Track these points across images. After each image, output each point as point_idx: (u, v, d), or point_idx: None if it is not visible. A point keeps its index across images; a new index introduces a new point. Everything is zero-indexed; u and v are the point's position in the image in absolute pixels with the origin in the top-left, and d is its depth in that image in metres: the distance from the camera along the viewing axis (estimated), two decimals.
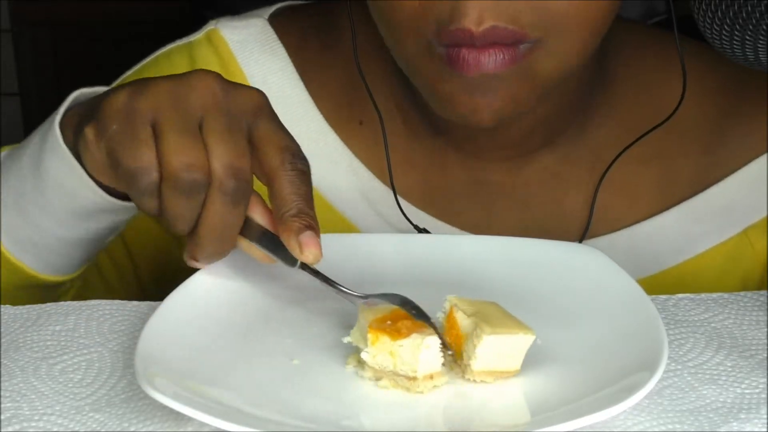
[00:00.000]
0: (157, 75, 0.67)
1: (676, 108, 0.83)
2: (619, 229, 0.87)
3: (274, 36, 0.91)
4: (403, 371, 0.59)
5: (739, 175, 0.87)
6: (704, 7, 0.70)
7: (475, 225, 0.87)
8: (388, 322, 0.60)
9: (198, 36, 0.92)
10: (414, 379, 0.59)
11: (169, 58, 0.92)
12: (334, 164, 0.88)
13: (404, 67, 0.79)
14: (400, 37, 0.76)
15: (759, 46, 0.69)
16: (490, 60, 0.72)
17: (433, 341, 0.59)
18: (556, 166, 0.88)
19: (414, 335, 0.59)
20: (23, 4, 2.47)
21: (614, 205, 0.88)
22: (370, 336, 0.60)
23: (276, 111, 0.73)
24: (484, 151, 0.87)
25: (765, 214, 0.87)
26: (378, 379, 0.60)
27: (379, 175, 0.89)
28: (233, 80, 0.72)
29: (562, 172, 0.88)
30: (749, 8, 0.68)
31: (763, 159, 0.87)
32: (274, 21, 0.92)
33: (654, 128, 0.85)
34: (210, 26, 0.92)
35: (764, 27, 0.68)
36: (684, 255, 0.88)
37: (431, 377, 0.60)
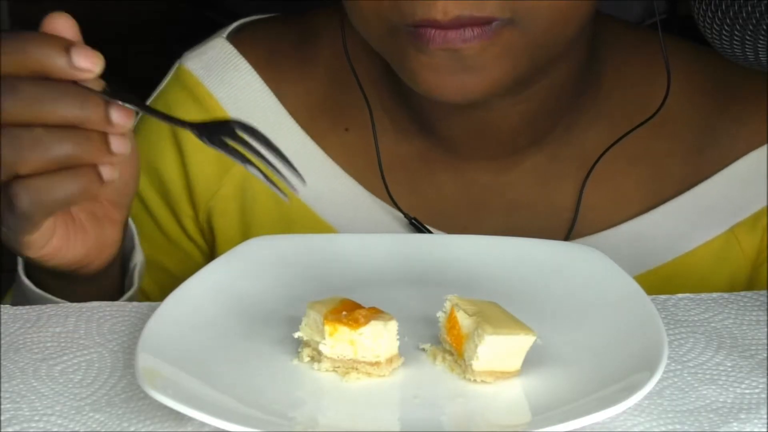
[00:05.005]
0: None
1: (659, 107, 0.84)
2: (606, 228, 0.88)
3: (236, 52, 0.91)
4: (364, 358, 0.61)
5: (726, 172, 0.87)
6: (704, 7, 0.70)
7: (464, 226, 0.87)
8: (344, 313, 0.61)
9: (167, 79, 0.93)
10: (377, 364, 0.61)
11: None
12: (315, 173, 0.89)
13: (374, 46, 0.80)
14: (366, 25, 0.78)
15: (759, 46, 0.69)
16: (458, 36, 0.73)
17: (393, 326, 0.61)
18: (544, 165, 0.88)
19: (373, 322, 0.61)
20: (23, 4, 2.47)
21: (602, 204, 0.88)
22: (327, 328, 0.61)
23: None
24: (473, 152, 0.87)
25: (751, 212, 0.87)
26: (336, 368, 0.62)
27: (362, 181, 0.89)
28: (206, 107, 0.81)
29: (550, 171, 0.88)
30: (749, 8, 0.68)
31: (749, 157, 0.87)
32: (235, 38, 0.92)
33: (637, 127, 0.85)
34: (176, 64, 0.92)
35: (764, 27, 0.68)
36: (672, 253, 0.88)
37: (390, 360, 0.61)
